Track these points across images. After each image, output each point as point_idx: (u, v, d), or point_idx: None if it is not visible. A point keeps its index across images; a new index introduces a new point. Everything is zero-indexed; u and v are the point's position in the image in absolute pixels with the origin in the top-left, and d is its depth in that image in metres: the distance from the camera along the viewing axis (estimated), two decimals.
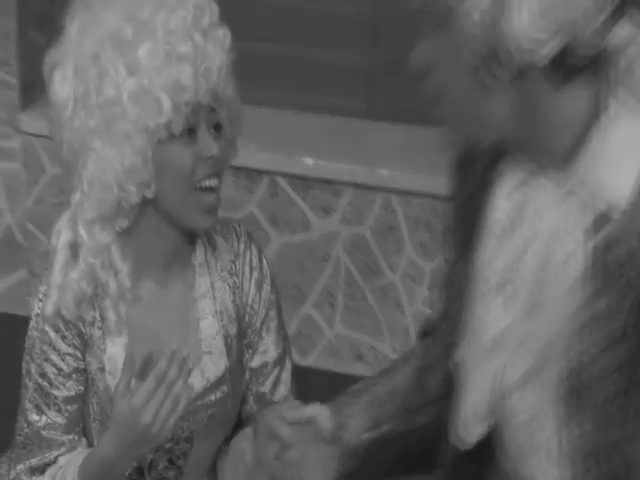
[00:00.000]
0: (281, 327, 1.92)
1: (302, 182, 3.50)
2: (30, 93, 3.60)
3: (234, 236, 1.88)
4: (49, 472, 1.81)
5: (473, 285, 1.40)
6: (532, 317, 1.33)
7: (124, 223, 1.74)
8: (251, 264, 1.87)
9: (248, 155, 3.36)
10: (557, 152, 1.31)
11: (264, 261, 1.90)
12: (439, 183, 3.18)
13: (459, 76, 1.30)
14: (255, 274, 1.87)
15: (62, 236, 1.77)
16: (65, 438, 1.81)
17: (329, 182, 3.45)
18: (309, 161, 3.48)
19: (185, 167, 1.69)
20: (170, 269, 1.81)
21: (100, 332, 1.79)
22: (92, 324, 1.79)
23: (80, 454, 1.80)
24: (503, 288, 1.36)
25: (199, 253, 1.83)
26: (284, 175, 3.51)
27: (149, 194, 1.70)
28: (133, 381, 1.69)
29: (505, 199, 1.38)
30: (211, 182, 1.71)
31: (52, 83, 1.71)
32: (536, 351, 1.34)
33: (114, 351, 1.79)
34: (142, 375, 1.70)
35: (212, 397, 1.84)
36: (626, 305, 1.26)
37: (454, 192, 1.50)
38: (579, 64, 1.27)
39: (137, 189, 1.69)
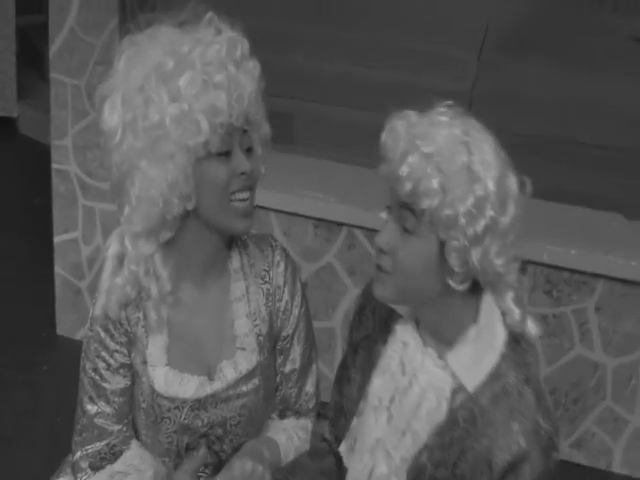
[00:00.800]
0: (308, 338, 2.11)
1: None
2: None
3: (269, 248, 2.06)
4: (107, 472, 2.00)
5: (366, 400, 1.91)
6: (403, 436, 1.84)
7: (167, 235, 1.91)
8: (285, 275, 2.05)
9: (328, 208, 3.59)
10: (443, 338, 1.82)
11: (297, 276, 2.08)
12: None
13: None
14: (288, 285, 2.05)
15: (111, 247, 1.95)
16: (115, 428, 2.01)
17: None
18: (384, 215, 3.54)
19: (221, 181, 1.85)
20: (208, 274, 1.97)
21: (143, 330, 1.96)
22: (136, 324, 1.96)
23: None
24: (389, 410, 1.86)
25: (235, 260, 2.01)
26: (361, 228, 3.60)
27: (189, 206, 1.86)
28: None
29: (393, 350, 1.87)
30: (243, 195, 1.88)
31: (102, 113, 1.88)
32: (400, 459, 1.85)
33: (155, 347, 1.96)
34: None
35: (244, 388, 2.03)
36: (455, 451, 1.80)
37: (355, 333, 2.01)
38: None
39: (179, 202, 1.85)
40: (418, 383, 1.83)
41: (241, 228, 1.92)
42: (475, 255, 1.69)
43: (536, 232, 3.45)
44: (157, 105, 1.82)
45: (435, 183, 1.68)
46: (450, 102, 1.78)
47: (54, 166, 3.92)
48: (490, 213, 1.69)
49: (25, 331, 4.12)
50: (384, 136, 1.76)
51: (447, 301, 1.77)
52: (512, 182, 1.75)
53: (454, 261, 1.70)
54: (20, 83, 5.80)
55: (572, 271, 3.39)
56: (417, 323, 1.86)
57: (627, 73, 3.76)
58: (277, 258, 2.05)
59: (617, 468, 3.55)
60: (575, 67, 3.79)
